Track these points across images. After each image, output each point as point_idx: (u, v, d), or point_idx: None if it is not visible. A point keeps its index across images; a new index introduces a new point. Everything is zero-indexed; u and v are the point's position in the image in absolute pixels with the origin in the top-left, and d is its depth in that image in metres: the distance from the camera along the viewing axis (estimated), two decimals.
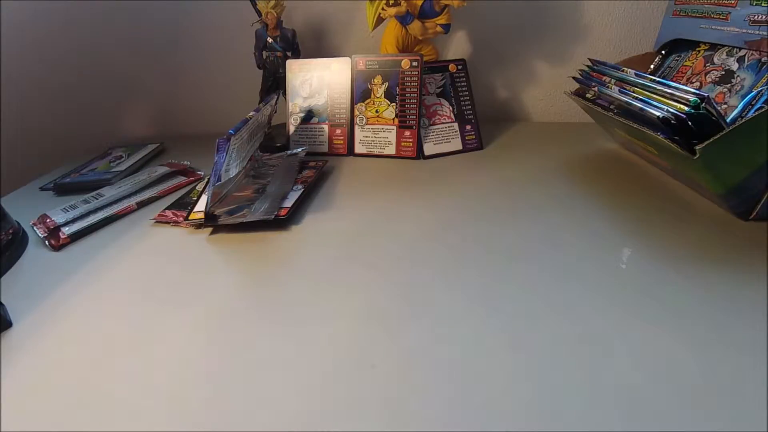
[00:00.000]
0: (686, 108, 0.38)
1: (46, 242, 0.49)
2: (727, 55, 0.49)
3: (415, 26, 0.63)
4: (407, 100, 0.63)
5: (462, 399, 0.27)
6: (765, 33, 0.45)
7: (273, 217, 0.47)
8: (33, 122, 0.89)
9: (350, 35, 0.76)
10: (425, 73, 0.64)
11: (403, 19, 0.62)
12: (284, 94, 0.69)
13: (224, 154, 0.47)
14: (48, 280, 0.43)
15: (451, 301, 0.35)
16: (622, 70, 0.49)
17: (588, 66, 0.55)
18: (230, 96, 0.83)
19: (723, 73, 0.49)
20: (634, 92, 0.45)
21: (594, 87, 0.52)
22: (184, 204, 0.55)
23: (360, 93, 0.65)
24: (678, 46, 0.56)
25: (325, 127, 0.67)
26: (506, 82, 0.76)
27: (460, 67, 0.66)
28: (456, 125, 0.65)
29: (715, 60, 0.50)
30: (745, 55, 0.47)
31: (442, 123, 0.65)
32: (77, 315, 0.38)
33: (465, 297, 0.36)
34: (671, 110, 0.39)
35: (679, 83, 0.45)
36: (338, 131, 0.67)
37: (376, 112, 0.65)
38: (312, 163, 0.61)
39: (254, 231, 0.47)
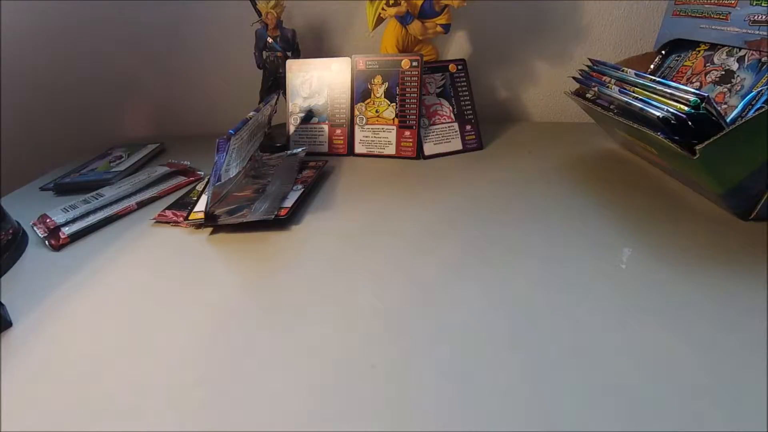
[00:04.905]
0: (686, 108, 0.38)
1: (46, 242, 0.49)
2: (727, 55, 0.49)
3: (415, 26, 0.63)
4: (407, 100, 0.63)
5: (462, 399, 0.27)
6: (765, 33, 0.45)
7: (273, 217, 0.47)
8: (33, 122, 0.89)
9: (350, 35, 0.76)
10: (425, 73, 0.64)
11: (403, 19, 0.62)
12: (284, 94, 0.69)
13: (224, 154, 0.47)
14: (48, 280, 0.43)
15: (451, 301, 0.35)
16: (622, 70, 0.48)
17: (588, 66, 0.55)
18: (230, 96, 0.83)
19: (723, 73, 0.49)
20: (634, 92, 0.45)
21: (594, 87, 0.52)
22: (184, 204, 0.55)
23: (360, 93, 0.65)
24: (678, 46, 0.56)
25: (325, 127, 0.67)
26: (506, 82, 0.76)
27: (460, 67, 0.66)
28: (456, 125, 0.65)
29: (715, 60, 0.50)
30: (745, 55, 0.47)
31: (442, 123, 0.65)
32: (77, 315, 0.38)
33: (465, 297, 0.36)
34: (671, 110, 0.39)
35: (679, 83, 0.45)
36: (338, 131, 0.67)
37: (376, 112, 0.65)
38: (312, 163, 0.61)
39: (254, 231, 0.47)
